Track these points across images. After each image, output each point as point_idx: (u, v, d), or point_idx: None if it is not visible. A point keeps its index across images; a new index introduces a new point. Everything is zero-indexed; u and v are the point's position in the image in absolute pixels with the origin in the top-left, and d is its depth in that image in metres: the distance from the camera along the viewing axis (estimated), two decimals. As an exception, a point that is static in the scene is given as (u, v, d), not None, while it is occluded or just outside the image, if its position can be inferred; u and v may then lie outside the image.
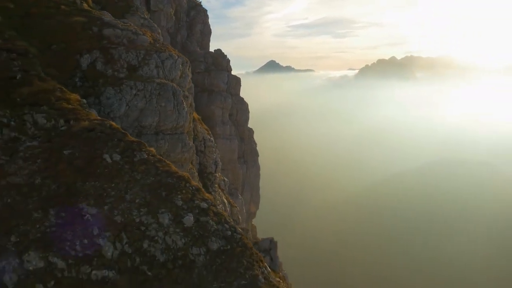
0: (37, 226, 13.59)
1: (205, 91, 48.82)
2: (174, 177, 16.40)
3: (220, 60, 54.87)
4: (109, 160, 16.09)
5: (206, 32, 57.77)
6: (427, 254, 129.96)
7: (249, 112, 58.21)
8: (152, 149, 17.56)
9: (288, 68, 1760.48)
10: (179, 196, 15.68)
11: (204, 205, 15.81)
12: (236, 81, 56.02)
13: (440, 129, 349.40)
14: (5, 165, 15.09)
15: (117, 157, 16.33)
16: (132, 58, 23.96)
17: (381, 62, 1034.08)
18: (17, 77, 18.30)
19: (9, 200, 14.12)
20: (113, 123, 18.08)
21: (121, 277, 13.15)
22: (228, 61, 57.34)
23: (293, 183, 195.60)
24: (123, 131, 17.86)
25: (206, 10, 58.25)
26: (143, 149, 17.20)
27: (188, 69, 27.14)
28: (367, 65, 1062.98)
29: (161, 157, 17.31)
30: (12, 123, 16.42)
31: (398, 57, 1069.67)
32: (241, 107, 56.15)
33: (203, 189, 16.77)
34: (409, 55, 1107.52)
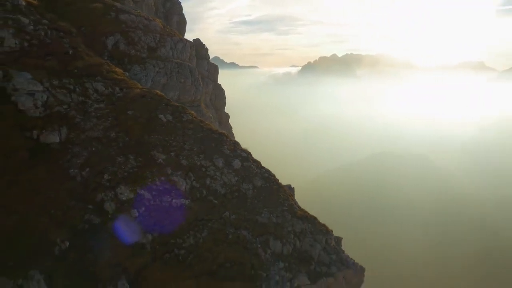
0: (122, 167, 16.88)
1: (187, 77, 51.73)
2: (217, 133, 20.10)
3: (200, 49, 58.18)
4: (164, 119, 19.48)
5: (182, 23, 60.62)
6: (363, 247, 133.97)
7: (225, 97, 62.08)
8: (193, 112, 21.08)
9: (233, 65, 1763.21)
10: (225, 147, 19.43)
11: (244, 154, 19.67)
12: (215, 68, 59.65)
13: (379, 125, 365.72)
14: (81, 122, 18.10)
15: (169, 117, 19.74)
16: (150, 40, 27.03)
17: (323, 60, 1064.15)
18: (70, 52, 21.08)
19: (93, 149, 17.24)
20: (157, 91, 21.40)
21: (194, 204, 16.77)
22: (207, 49, 60.90)
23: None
24: (166, 97, 21.24)
25: (180, 2, 61.06)
26: (187, 112, 20.70)
27: (194, 52, 30.55)
28: (309, 62, 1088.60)
29: (202, 119, 20.89)
30: (77, 89, 19.33)
31: (340, 55, 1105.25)
32: (219, 93, 59.82)
33: (239, 143, 20.59)
34: (349, 53, 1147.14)
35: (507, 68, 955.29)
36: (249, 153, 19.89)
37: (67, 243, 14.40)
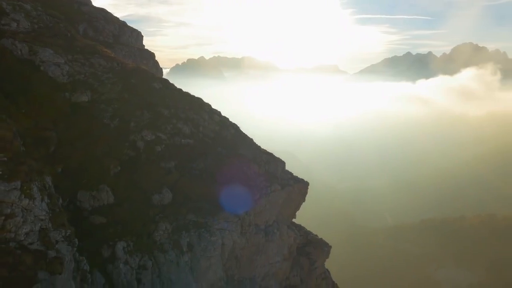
0: (141, 118, 22.83)
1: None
2: (195, 98, 26.80)
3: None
4: (157, 87, 25.56)
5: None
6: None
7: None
8: (172, 83, 27.40)
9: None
10: (206, 107, 26.30)
11: (218, 111, 26.76)
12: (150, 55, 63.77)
13: (247, 125, 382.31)
14: (99, 87, 23.39)
15: (160, 85, 25.86)
16: (113, 29, 32.04)
17: (191, 62, 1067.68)
18: (68, 35, 25.75)
19: (116, 106, 22.81)
20: (143, 66, 27.23)
21: (195, 142, 23.49)
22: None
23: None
24: (149, 71, 27.20)
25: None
26: (169, 82, 26.98)
27: (143, 40, 36.09)
28: (177, 64, 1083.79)
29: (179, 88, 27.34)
30: (87, 63, 24.40)
31: (207, 57, 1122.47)
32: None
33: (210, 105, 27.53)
34: (216, 55, 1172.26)
35: (357, 71, 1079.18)
36: (220, 112, 27.03)
37: (119, 168, 20.24)
